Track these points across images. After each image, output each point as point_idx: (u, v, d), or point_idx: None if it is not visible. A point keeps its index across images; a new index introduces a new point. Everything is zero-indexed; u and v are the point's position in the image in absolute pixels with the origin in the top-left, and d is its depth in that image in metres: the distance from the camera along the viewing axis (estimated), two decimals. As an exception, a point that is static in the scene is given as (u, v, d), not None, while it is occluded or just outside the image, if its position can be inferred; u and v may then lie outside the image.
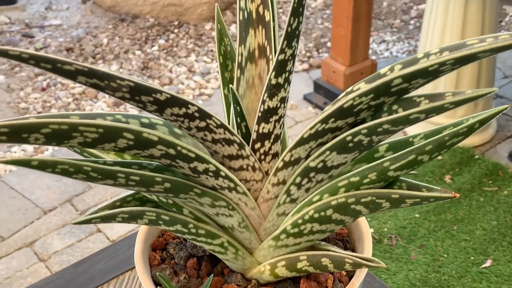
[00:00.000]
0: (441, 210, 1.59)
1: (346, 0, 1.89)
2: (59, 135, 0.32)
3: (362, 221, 0.48)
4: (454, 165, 1.75)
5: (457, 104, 0.32)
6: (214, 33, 2.52)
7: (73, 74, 0.31)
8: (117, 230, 1.63)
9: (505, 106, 0.36)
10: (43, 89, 2.17)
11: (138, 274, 0.44)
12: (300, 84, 2.21)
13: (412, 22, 2.59)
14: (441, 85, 1.75)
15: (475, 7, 1.65)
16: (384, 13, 2.66)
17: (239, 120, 0.41)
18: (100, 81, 0.32)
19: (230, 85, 0.40)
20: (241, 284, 0.44)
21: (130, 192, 0.43)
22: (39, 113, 2.06)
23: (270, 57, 0.43)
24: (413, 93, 0.36)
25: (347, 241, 0.48)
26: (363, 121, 0.38)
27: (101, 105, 2.08)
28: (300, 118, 2.03)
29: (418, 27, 2.53)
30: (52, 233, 1.64)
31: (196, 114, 0.36)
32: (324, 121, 0.37)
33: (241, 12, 0.43)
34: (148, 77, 2.22)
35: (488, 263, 1.42)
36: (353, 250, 0.48)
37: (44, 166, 0.33)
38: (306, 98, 2.12)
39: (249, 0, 0.44)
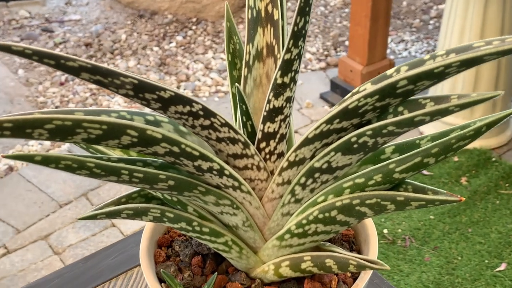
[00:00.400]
0: (456, 212, 1.58)
1: (364, -1, 1.88)
2: (62, 131, 0.32)
3: (369, 222, 0.47)
4: (470, 167, 1.73)
5: (462, 107, 0.32)
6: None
7: (76, 71, 0.31)
8: (131, 225, 1.64)
9: (511, 110, 0.35)
10: (61, 84, 2.19)
11: (143, 271, 0.44)
12: (317, 83, 2.20)
13: (431, 22, 2.57)
14: (459, 85, 1.74)
15: (495, 8, 1.63)
16: (404, 12, 2.64)
17: (244, 119, 0.41)
18: (103, 78, 0.32)
19: (236, 84, 0.40)
20: (245, 283, 0.44)
21: (136, 188, 0.43)
22: (57, 107, 2.08)
23: (278, 56, 0.43)
24: (419, 95, 0.35)
25: (353, 243, 0.48)
26: (369, 122, 0.38)
27: (118, 100, 2.09)
28: (316, 117, 2.02)
29: (438, 27, 2.51)
30: (67, 226, 1.66)
31: (201, 113, 0.36)
32: (329, 121, 0.37)
33: (250, 11, 0.43)
34: (165, 73, 2.23)
35: (503, 266, 1.41)
36: (359, 252, 0.48)
37: (47, 161, 0.33)
38: (322, 96, 2.12)
39: (258, -2, 0.43)
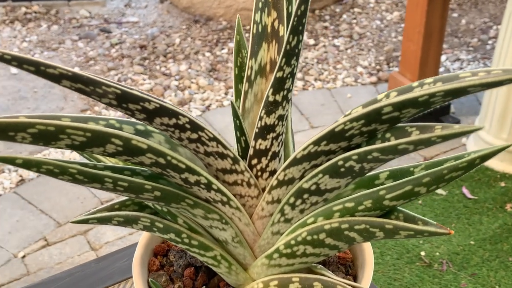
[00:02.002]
0: (498, 240, 1.53)
1: (418, 15, 1.85)
2: (45, 136, 0.33)
3: (367, 247, 0.46)
4: (517, 193, 1.68)
5: (444, 138, 0.31)
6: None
7: (57, 78, 0.31)
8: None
9: (508, 144, 0.34)
10: (114, 83, 2.23)
11: (133, 279, 0.45)
12: (365, 97, 2.18)
13: (490, 42, 2.50)
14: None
15: (553, 31, 1.57)
16: (462, 30, 2.58)
17: (238, 134, 0.41)
18: (85, 87, 0.32)
19: (231, 98, 0.40)
20: (234, 299, 0.44)
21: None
22: (107, 107, 2.12)
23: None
24: (406, 123, 0.34)
25: (349, 267, 0.47)
26: (358, 146, 0.37)
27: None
28: (362, 132, 2.00)
29: (496, 48, 2.44)
30: (105, 223, 1.68)
31: (187, 126, 0.36)
32: (316, 143, 0.36)
33: (255, 26, 0.43)
34: (214, 79, 2.25)
35: (542, 300, 1.36)
36: (355, 277, 0.47)
37: (29, 165, 0.33)
38: (371, 111, 2.09)
39: (265, 13, 0.43)
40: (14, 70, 2.31)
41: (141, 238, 0.48)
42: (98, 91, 0.32)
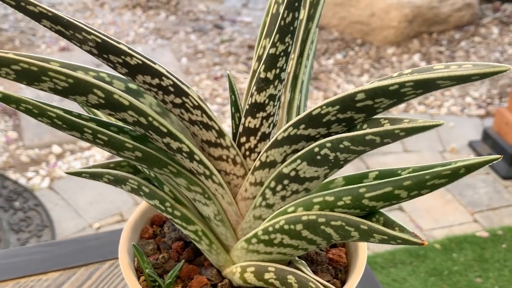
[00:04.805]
0: None
1: (535, 50, 1.74)
2: (28, 75, 0.33)
3: (362, 254, 0.44)
4: None
5: (407, 132, 0.28)
6: (394, 59, 2.45)
7: (37, 16, 0.32)
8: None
9: (497, 156, 0.31)
10: (216, 78, 2.28)
11: (120, 241, 0.45)
12: (469, 129, 2.08)
13: None
14: None
15: None
16: None
17: (233, 110, 0.40)
18: (65, 30, 0.32)
19: (227, 71, 0.39)
20: (213, 280, 0.43)
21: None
22: (205, 99, 2.17)
23: (292, 56, 0.41)
24: (381, 115, 0.32)
25: (340, 271, 0.45)
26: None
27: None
28: (456, 163, 1.91)
29: None
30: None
31: (171, 89, 0.35)
32: (295, 126, 0.35)
33: (275, 5, 0.42)
34: (314, 87, 2.24)
35: None
36: (344, 282, 0.44)
37: (8, 100, 0.34)
38: (471, 145, 1.99)
39: (290, -5, 0.42)
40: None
41: (140, 205, 0.48)
42: (78, 36, 0.33)
